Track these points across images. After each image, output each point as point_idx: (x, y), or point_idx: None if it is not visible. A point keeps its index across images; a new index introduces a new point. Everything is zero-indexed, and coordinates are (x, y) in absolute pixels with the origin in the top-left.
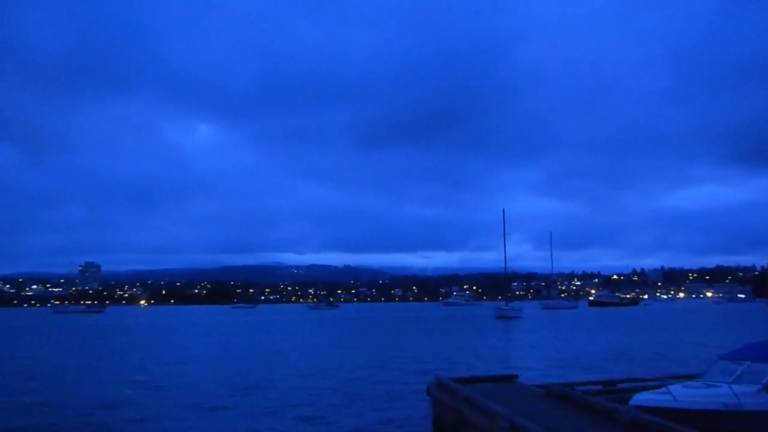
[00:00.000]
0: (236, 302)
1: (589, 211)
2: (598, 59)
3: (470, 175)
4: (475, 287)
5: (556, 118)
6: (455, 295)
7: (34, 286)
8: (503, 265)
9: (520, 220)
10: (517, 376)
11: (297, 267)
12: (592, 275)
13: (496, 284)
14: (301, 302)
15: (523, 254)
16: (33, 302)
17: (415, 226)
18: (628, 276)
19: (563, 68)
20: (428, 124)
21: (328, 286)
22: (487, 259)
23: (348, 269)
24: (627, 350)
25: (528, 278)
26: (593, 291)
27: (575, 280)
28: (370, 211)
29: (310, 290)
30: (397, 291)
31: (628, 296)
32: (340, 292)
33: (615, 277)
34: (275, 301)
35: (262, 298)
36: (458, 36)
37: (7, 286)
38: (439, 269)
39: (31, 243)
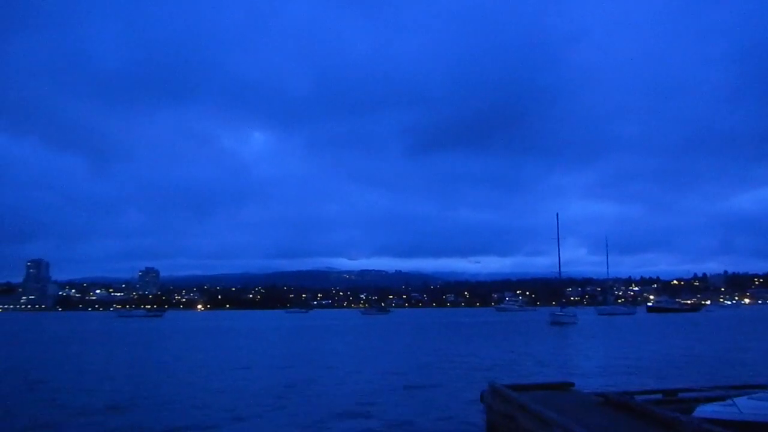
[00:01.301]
0: (290, 307)
1: (647, 213)
2: (658, 58)
3: (523, 178)
4: (528, 292)
5: (612, 120)
6: (508, 300)
7: (98, 291)
8: (557, 269)
9: (574, 224)
10: (573, 384)
11: (349, 272)
12: (651, 280)
13: (550, 289)
14: (353, 307)
15: (578, 259)
16: (97, 306)
17: (468, 230)
18: (688, 281)
19: (620, 68)
20: (481, 127)
21: (379, 291)
22: (540, 263)
23: (399, 274)
24: (688, 358)
25: (583, 283)
26: (652, 296)
27: (633, 285)
28: (421, 215)
29: (362, 295)
30: (449, 296)
31: (689, 302)
32: (391, 297)
33: (675, 282)
34: (328, 306)
35: (315, 303)
36: (511, 38)
37: (73, 290)
38: (492, 274)
39: (95, 249)
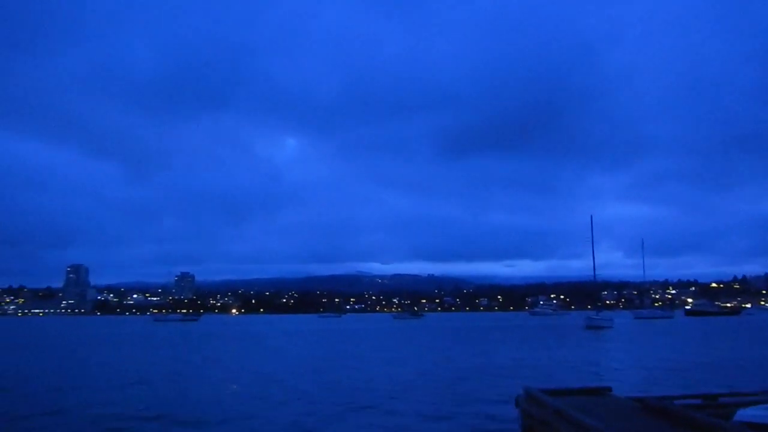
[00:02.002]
0: (323, 311)
1: (684, 215)
2: (694, 58)
3: (557, 180)
4: (562, 296)
5: (648, 120)
6: (542, 304)
7: (135, 296)
8: (592, 273)
9: (609, 227)
10: (610, 389)
11: (381, 276)
12: (689, 283)
13: (585, 293)
14: (385, 311)
15: (614, 262)
16: (134, 311)
17: (500, 234)
18: (728, 283)
19: (657, 68)
20: (514, 130)
21: (412, 296)
22: (575, 267)
23: (432, 278)
24: (728, 362)
25: (619, 287)
26: (690, 300)
27: (670, 288)
28: (454, 219)
29: (395, 300)
30: (482, 300)
31: (728, 305)
32: (424, 301)
33: (714, 284)
34: (360, 310)
35: (348, 307)
36: (545, 39)
37: (111, 295)
38: (525, 278)
39: (133, 254)
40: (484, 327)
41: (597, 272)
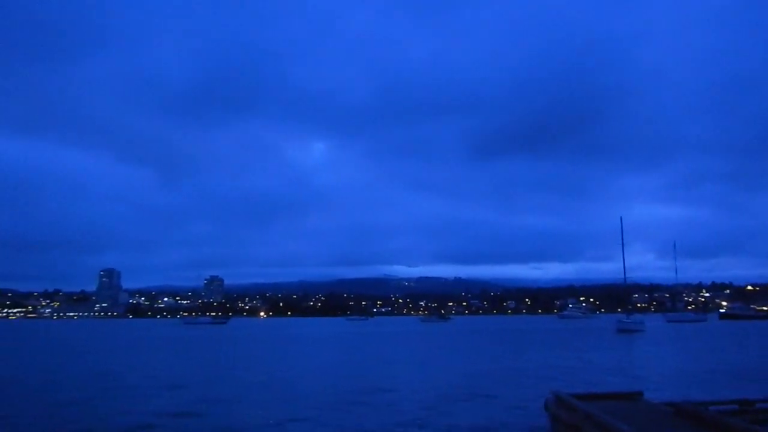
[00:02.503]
0: (350, 314)
1: (718, 216)
2: (727, 54)
3: (586, 182)
4: (592, 299)
5: (680, 120)
6: (571, 307)
7: (166, 299)
8: (622, 275)
9: (641, 228)
10: (642, 393)
11: (408, 279)
12: (723, 286)
13: (615, 296)
14: (412, 314)
15: (645, 264)
16: (165, 314)
17: (528, 236)
18: (764, 286)
19: (688, 67)
20: (542, 131)
21: (438, 299)
22: (604, 269)
23: (458, 281)
24: (765, 367)
25: (650, 290)
26: (724, 303)
27: (703, 291)
28: (481, 222)
29: (421, 302)
30: (510, 303)
31: (765, 308)
32: (451, 304)
33: (749, 287)
34: (387, 313)
35: (374, 310)
36: (574, 39)
37: (142, 298)
38: (554, 280)
39: (164, 258)
40: (512, 330)
41: (627, 275)
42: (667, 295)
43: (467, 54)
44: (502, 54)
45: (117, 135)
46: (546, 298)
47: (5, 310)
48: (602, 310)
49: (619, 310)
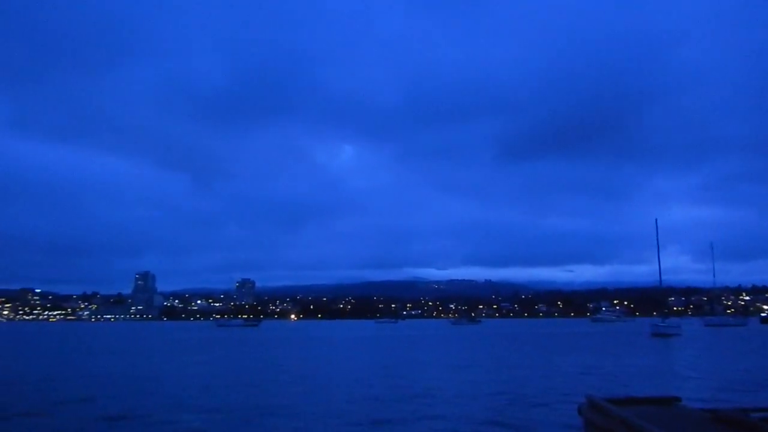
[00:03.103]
0: (379, 317)
1: (757, 217)
2: (763, 55)
3: (620, 183)
4: (626, 302)
5: (717, 120)
6: (604, 310)
7: (199, 301)
8: (658, 278)
9: (676, 230)
10: (679, 399)
11: (438, 282)
12: (764, 289)
13: (650, 299)
14: (442, 317)
15: (681, 267)
16: (198, 316)
17: (560, 238)
18: None
19: (725, 67)
20: (575, 132)
21: (469, 301)
22: (639, 272)
23: (489, 284)
24: None
25: (687, 293)
26: (765, 306)
27: (743, 294)
28: (512, 224)
29: (451, 305)
30: (541, 306)
31: None
32: (481, 307)
33: None
34: (417, 316)
35: (404, 313)
36: (608, 40)
37: (176, 301)
38: (586, 283)
39: (197, 261)
40: (544, 333)
41: (663, 277)
42: (705, 299)
43: (498, 55)
44: (533, 54)
45: (153, 141)
46: (578, 301)
47: (46, 313)
48: (637, 313)
49: (654, 313)
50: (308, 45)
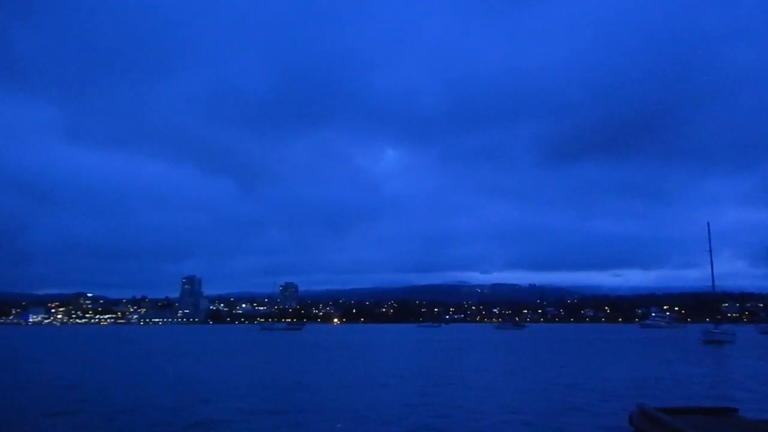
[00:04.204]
0: (422, 321)
1: None
2: None
3: (671, 186)
4: (676, 308)
5: None
6: (654, 316)
7: (244, 305)
8: (710, 283)
9: (730, 234)
10: (736, 410)
11: (481, 286)
12: None
13: (702, 305)
14: (485, 321)
15: (735, 272)
16: (242, 319)
17: (607, 242)
18: None
19: None
20: (623, 133)
21: (512, 306)
22: (690, 277)
23: (533, 288)
24: None
25: (741, 299)
26: None
27: None
28: (557, 227)
29: (495, 309)
30: (588, 311)
31: None
32: (525, 311)
33: None
34: (460, 320)
35: (447, 317)
36: (659, 39)
37: (222, 305)
38: (635, 288)
39: (242, 266)
40: (592, 339)
41: (716, 283)
42: (761, 305)
43: (542, 57)
44: (579, 55)
45: (199, 147)
46: (626, 307)
47: (97, 316)
48: (688, 320)
49: (707, 319)
50: (351, 50)
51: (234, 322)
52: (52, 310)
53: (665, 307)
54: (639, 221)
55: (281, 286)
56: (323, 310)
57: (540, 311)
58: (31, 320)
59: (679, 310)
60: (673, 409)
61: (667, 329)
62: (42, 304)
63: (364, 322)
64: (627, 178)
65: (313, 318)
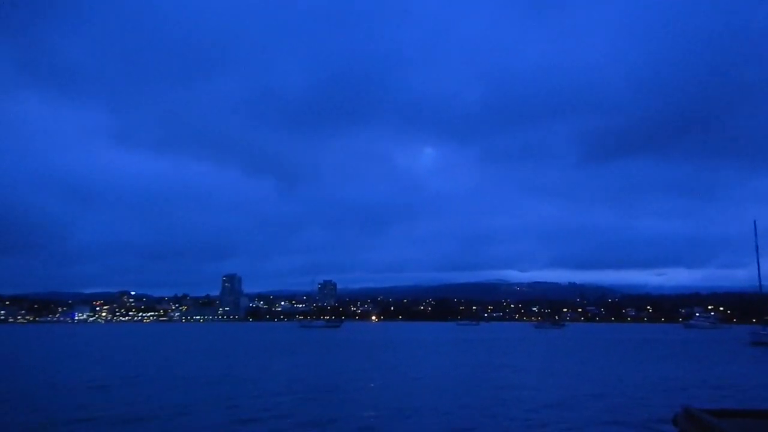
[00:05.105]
0: (460, 319)
1: None
2: None
3: (715, 183)
4: (721, 308)
5: None
6: (698, 316)
7: (283, 303)
8: (758, 283)
9: None
10: None
11: (520, 284)
12: None
13: (749, 306)
14: (524, 320)
15: None
16: (282, 317)
17: (651, 240)
18: None
19: None
20: (666, 130)
21: (552, 304)
22: (737, 277)
23: (573, 286)
24: None
25: None
26: None
27: None
28: (598, 226)
29: (534, 308)
30: (630, 310)
31: None
32: (565, 310)
33: None
34: (498, 318)
35: (485, 315)
36: (705, 34)
37: (261, 302)
38: (678, 288)
39: (281, 264)
40: (634, 339)
41: (763, 282)
42: None
43: (584, 54)
44: (620, 52)
45: (240, 148)
46: (669, 306)
47: (140, 314)
48: (734, 320)
49: (754, 321)
50: (390, 49)
51: (273, 320)
52: (97, 309)
53: (710, 308)
54: (683, 219)
55: (320, 284)
56: (361, 308)
57: (580, 310)
58: (76, 318)
59: (725, 311)
60: (720, 411)
61: (711, 330)
62: (87, 302)
63: (401, 319)
64: (671, 176)
65: (351, 316)
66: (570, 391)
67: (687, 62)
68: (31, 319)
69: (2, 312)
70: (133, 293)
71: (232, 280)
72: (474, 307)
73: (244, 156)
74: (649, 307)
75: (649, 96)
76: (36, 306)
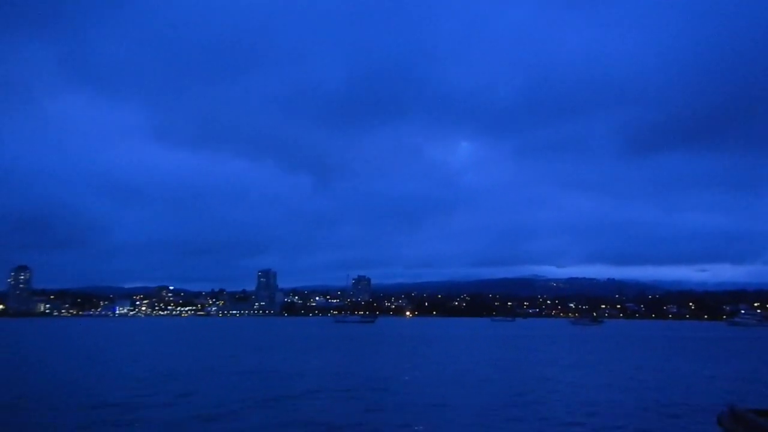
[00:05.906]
0: (495, 315)
1: None
2: None
3: (760, 177)
4: None
5: None
6: (743, 313)
7: (318, 298)
8: None
9: None
10: None
11: (556, 280)
12: None
13: None
14: (561, 317)
15: None
16: (316, 312)
17: (692, 235)
18: None
19: None
20: (710, 122)
21: (589, 300)
22: None
23: (611, 282)
24: None
25: None
26: None
27: None
28: (638, 220)
29: (571, 304)
30: (671, 307)
31: None
32: (603, 306)
33: None
34: (534, 314)
35: (520, 311)
36: (745, 24)
37: (296, 297)
38: (722, 284)
39: (316, 259)
40: (676, 336)
41: None
42: None
43: (624, 45)
44: (663, 41)
45: (276, 144)
46: (713, 303)
47: (178, 308)
48: None
49: None
50: (425, 43)
51: (308, 315)
52: (137, 303)
53: (756, 304)
54: (726, 214)
55: (354, 280)
56: (395, 303)
57: (618, 306)
58: (117, 312)
59: None
60: (766, 411)
61: (757, 328)
62: (128, 296)
63: (435, 315)
64: (714, 170)
65: (385, 311)
66: (612, 390)
67: (730, 52)
68: (74, 312)
69: (47, 306)
70: (171, 288)
71: (268, 275)
72: (509, 303)
73: (280, 152)
74: (691, 304)
75: (690, 87)
76: (79, 300)
